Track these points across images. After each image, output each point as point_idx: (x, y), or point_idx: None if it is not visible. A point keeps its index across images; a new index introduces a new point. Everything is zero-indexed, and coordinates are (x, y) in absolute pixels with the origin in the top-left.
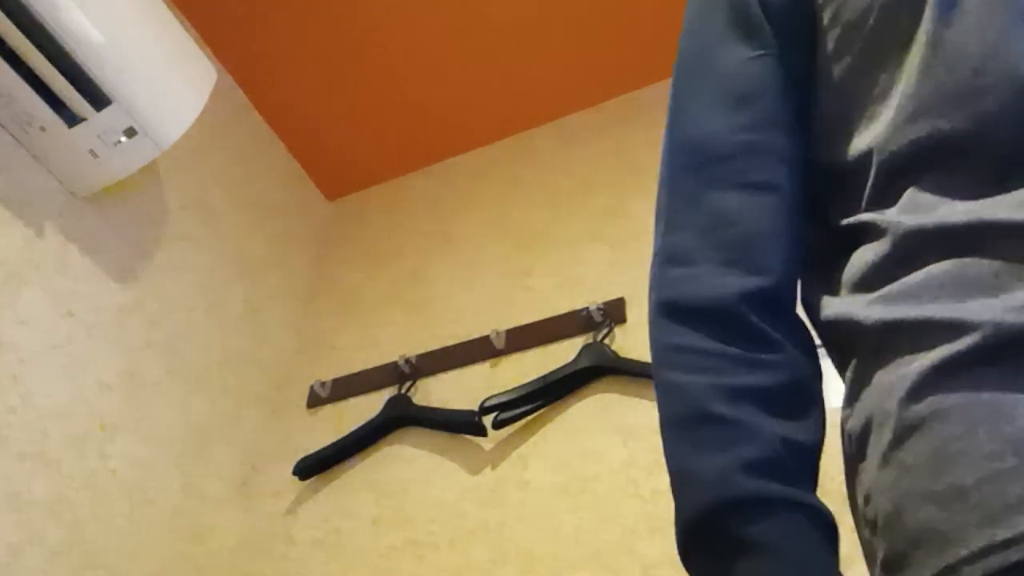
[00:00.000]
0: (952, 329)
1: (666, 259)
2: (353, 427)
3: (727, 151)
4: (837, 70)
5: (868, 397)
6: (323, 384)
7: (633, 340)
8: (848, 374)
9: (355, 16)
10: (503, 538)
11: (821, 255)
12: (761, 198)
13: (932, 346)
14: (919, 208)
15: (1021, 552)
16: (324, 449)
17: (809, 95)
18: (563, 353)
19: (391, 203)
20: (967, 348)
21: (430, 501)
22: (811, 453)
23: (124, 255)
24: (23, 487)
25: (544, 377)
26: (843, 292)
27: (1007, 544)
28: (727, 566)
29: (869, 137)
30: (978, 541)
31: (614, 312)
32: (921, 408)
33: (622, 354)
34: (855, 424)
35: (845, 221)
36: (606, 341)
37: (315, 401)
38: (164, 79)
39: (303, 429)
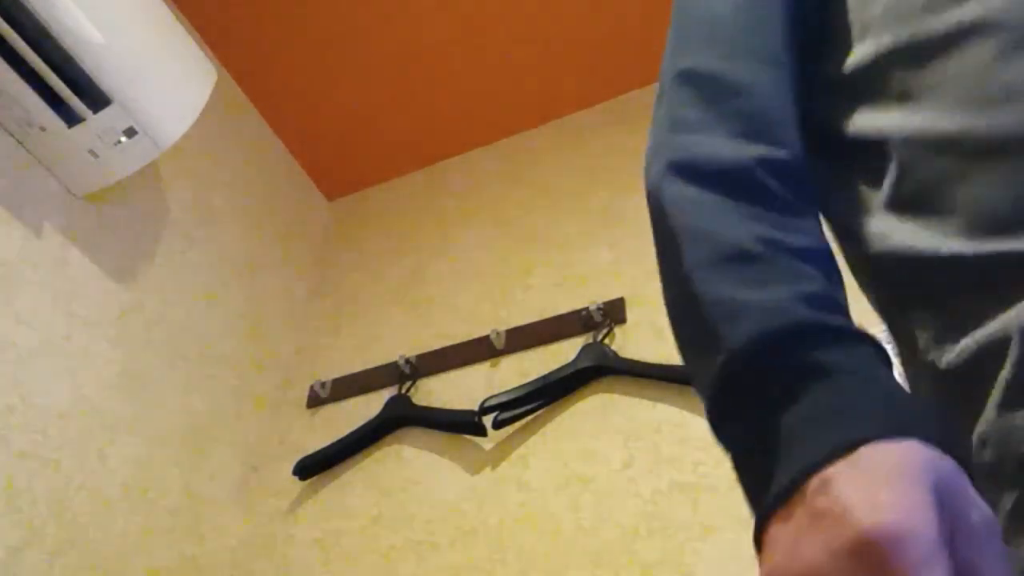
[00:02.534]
0: None
1: (672, 126)
2: (353, 427)
3: (735, 24)
4: None
5: (982, 333)
6: (323, 384)
7: (633, 340)
8: (928, 310)
9: (355, 17)
10: (503, 538)
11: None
12: (772, 71)
13: None
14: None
15: None
16: (324, 449)
17: None
18: (563, 353)
19: (391, 203)
20: None
21: (430, 501)
22: (848, 311)
23: (124, 255)
24: (23, 487)
25: (544, 377)
26: (899, 217)
27: None
28: (799, 395)
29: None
30: None
31: (614, 312)
32: None
33: (622, 354)
34: (958, 362)
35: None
36: (606, 341)
37: (315, 401)
38: (164, 79)
39: (303, 429)
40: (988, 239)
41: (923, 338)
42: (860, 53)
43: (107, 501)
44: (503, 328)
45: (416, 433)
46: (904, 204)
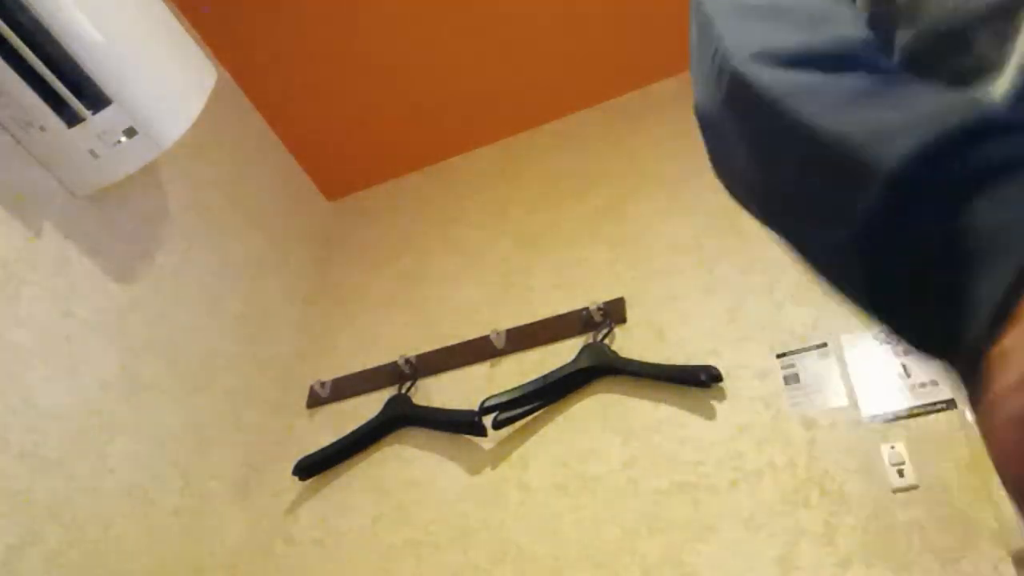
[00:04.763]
0: None
1: (737, 40)
2: (353, 427)
3: None
4: None
5: None
6: (323, 384)
7: (633, 340)
8: None
9: (355, 17)
10: (503, 538)
11: None
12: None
13: None
14: None
15: None
16: (324, 449)
17: None
18: (563, 353)
19: (391, 203)
20: None
21: (430, 501)
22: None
23: (124, 255)
24: (23, 487)
25: (544, 377)
26: None
27: None
28: (984, 194)
29: None
30: None
31: (614, 312)
32: None
33: (622, 354)
34: None
35: None
36: (606, 341)
37: (315, 401)
38: (164, 79)
39: (303, 429)
40: None
41: None
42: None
43: (107, 501)
44: (503, 328)
45: (416, 433)
46: None
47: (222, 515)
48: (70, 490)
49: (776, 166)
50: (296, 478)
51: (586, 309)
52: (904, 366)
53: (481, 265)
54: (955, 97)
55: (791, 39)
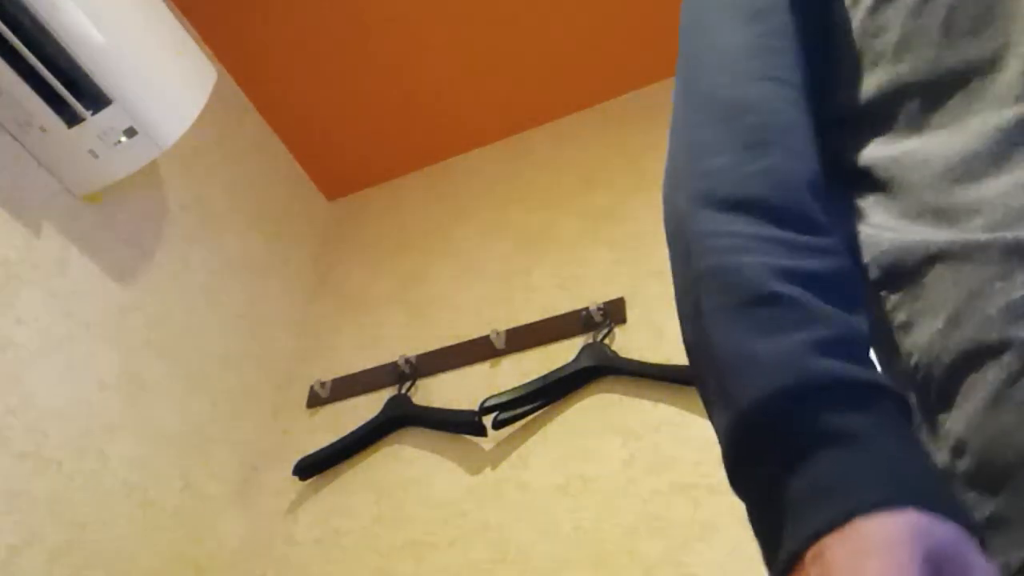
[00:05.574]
0: None
1: (689, 152)
2: (353, 427)
3: (744, 53)
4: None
5: (959, 326)
6: (323, 384)
7: (633, 340)
8: (898, 300)
9: (355, 16)
10: (503, 538)
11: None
12: (785, 90)
13: None
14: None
15: None
16: (324, 449)
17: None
18: (563, 353)
19: (391, 203)
20: None
21: (430, 501)
22: (869, 347)
23: (124, 255)
24: (23, 487)
25: (544, 377)
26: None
27: None
28: (802, 463)
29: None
30: None
31: (614, 312)
32: None
33: (622, 354)
34: (931, 361)
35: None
36: (606, 341)
37: (315, 401)
38: (164, 79)
39: (303, 429)
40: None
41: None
42: (872, 84)
43: (107, 501)
44: (503, 328)
45: (416, 433)
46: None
47: (222, 515)
48: (70, 490)
49: (685, 330)
50: (296, 478)
51: (586, 309)
52: None
53: (481, 265)
54: (806, 337)
55: (725, 171)
